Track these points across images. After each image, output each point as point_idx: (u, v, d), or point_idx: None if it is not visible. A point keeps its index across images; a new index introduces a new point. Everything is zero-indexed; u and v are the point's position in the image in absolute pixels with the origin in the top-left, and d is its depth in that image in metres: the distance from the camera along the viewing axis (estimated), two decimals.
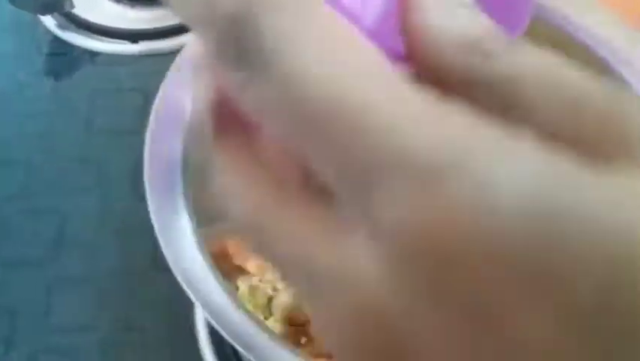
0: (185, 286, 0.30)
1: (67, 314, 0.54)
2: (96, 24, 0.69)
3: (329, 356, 0.39)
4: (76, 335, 0.53)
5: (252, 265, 0.44)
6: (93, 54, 0.69)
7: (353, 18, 0.11)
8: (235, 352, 0.48)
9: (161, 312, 0.52)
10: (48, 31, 0.70)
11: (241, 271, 0.44)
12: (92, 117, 0.65)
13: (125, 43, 0.68)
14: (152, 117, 0.35)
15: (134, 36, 0.68)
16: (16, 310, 0.54)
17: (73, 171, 0.61)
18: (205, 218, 0.38)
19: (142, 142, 0.36)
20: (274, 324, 0.42)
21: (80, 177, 0.61)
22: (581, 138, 0.11)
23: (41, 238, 0.58)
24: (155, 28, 0.67)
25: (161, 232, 0.31)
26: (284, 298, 0.42)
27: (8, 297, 0.55)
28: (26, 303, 0.54)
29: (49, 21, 0.70)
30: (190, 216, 0.33)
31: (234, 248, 0.44)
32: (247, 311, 0.30)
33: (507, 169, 0.09)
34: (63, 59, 0.70)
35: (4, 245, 0.57)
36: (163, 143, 0.35)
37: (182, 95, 0.36)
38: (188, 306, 0.49)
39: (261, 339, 0.29)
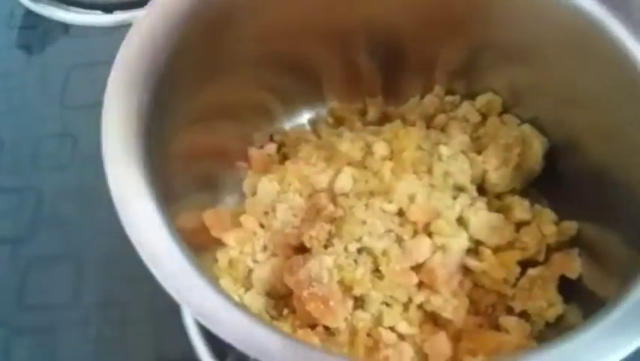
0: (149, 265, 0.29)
1: (45, 292, 0.52)
2: None
3: (312, 327, 0.38)
4: (55, 313, 0.51)
5: (230, 237, 0.42)
6: (66, 26, 0.67)
7: None
8: None
9: (143, 288, 0.50)
10: (20, 5, 0.68)
11: (220, 243, 0.43)
12: (67, 91, 0.63)
13: (98, 14, 0.66)
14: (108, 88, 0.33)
15: (107, 6, 0.66)
16: None
17: (48, 147, 0.60)
18: (174, 193, 0.37)
19: None
20: (255, 296, 0.40)
21: (55, 153, 0.59)
22: None
23: (17, 215, 0.56)
24: None
25: (121, 208, 0.30)
26: (264, 271, 0.41)
27: None
28: (2, 282, 0.53)
29: None
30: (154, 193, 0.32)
31: (211, 220, 0.42)
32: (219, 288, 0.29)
33: None
34: (36, 32, 0.68)
35: None
36: (122, 114, 0.33)
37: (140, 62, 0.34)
38: None
39: (230, 315, 0.27)
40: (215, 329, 0.27)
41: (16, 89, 0.63)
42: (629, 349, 0.25)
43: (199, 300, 0.28)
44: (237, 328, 0.27)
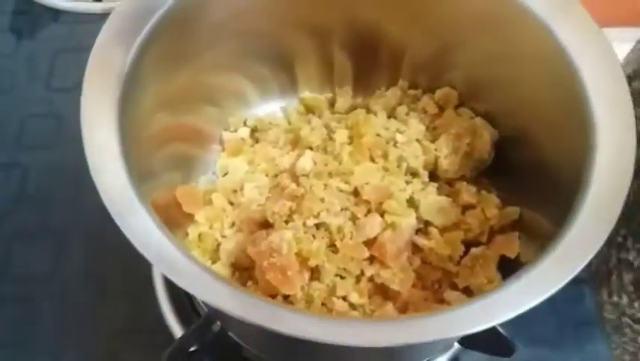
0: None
1: (27, 265, 0.55)
2: None
3: (272, 296, 0.41)
4: (36, 285, 0.54)
5: (201, 215, 0.45)
6: (56, 12, 0.69)
7: None
8: (191, 301, 0.50)
9: (119, 262, 0.53)
10: None
11: (191, 218, 0.46)
12: (53, 74, 0.65)
13: (88, 2, 0.68)
14: (87, 70, 0.36)
15: None
16: None
17: (34, 126, 0.62)
18: (149, 171, 0.39)
19: None
20: (220, 268, 0.43)
21: (40, 133, 0.61)
22: None
23: (2, 191, 0.58)
24: None
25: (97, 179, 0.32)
26: (230, 244, 0.44)
27: None
28: None
29: None
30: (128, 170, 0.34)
31: (183, 197, 0.45)
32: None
33: None
34: (26, 17, 0.70)
35: None
36: (99, 99, 0.35)
37: (117, 47, 0.37)
38: None
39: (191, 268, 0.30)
40: (176, 280, 0.29)
41: (4, 71, 0.66)
42: (532, 304, 0.29)
43: (164, 255, 0.31)
44: (196, 278, 0.30)
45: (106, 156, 0.34)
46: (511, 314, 0.29)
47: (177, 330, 0.48)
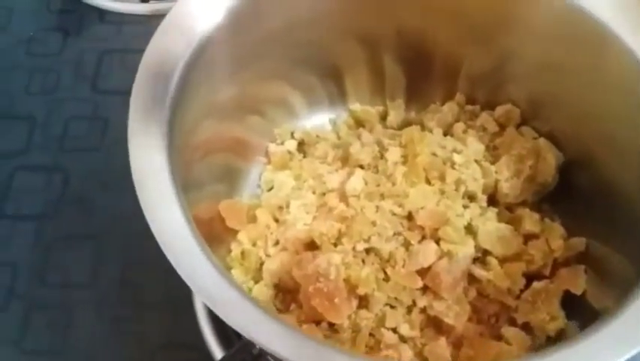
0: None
1: (65, 270, 0.54)
2: None
3: (316, 323, 0.39)
4: (73, 291, 0.53)
5: (244, 230, 0.44)
6: (102, 12, 0.69)
7: None
8: None
9: (159, 272, 0.51)
10: None
11: (234, 234, 0.44)
12: (99, 76, 0.65)
13: (134, 3, 0.68)
14: (138, 74, 0.35)
15: None
16: (16, 265, 0.54)
17: (77, 129, 0.61)
18: (193, 182, 0.38)
19: None
20: (263, 288, 0.42)
21: (84, 136, 0.61)
22: None
23: (42, 194, 0.58)
24: None
25: (140, 190, 0.31)
26: (274, 264, 0.42)
27: (10, 252, 0.55)
28: (26, 258, 0.54)
29: None
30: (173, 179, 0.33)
31: (227, 211, 0.43)
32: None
33: None
34: (73, 17, 0.69)
35: (6, 201, 0.57)
36: (148, 100, 0.34)
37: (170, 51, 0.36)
38: None
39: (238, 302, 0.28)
40: (221, 313, 0.28)
41: (50, 71, 0.65)
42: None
43: (208, 286, 0.29)
44: (243, 315, 0.28)
45: (151, 167, 0.33)
46: None
47: (216, 349, 0.46)
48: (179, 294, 0.49)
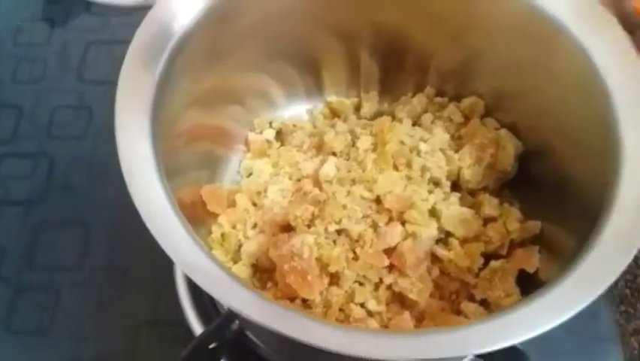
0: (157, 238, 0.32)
1: (52, 254, 0.56)
2: None
3: (291, 299, 0.42)
4: (60, 274, 0.54)
5: (223, 219, 0.46)
6: (89, 3, 0.70)
7: None
8: (210, 298, 0.50)
9: (143, 255, 0.53)
10: None
11: (215, 217, 0.46)
12: (85, 66, 0.66)
13: None
14: (123, 67, 0.36)
15: None
16: (4, 248, 0.56)
17: (63, 118, 0.63)
18: (176, 168, 0.40)
19: None
20: (242, 268, 0.44)
21: (69, 124, 0.62)
22: None
23: (29, 181, 0.59)
24: None
25: (133, 188, 0.33)
26: (252, 245, 0.44)
27: None
28: (14, 242, 0.56)
29: None
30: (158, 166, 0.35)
31: (208, 196, 0.46)
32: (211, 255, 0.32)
33: None
34: (59, 7, 0.71)
35: None
36: (133, 90, 0.36)
37: (153, 43, 0.37)
38: None
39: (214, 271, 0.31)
40: (201, 283, 0.30)
41: (38, 60, 0.67)
42: (554, 323, 0.29)
43: (191, 260, 0.31)
44: (222, 285, 0.30)
45: (138, 155, 0.35)
46: (532, 333, 0.29)
47: (196, 325, 0.48)
48: (162, 274, 0.52)
